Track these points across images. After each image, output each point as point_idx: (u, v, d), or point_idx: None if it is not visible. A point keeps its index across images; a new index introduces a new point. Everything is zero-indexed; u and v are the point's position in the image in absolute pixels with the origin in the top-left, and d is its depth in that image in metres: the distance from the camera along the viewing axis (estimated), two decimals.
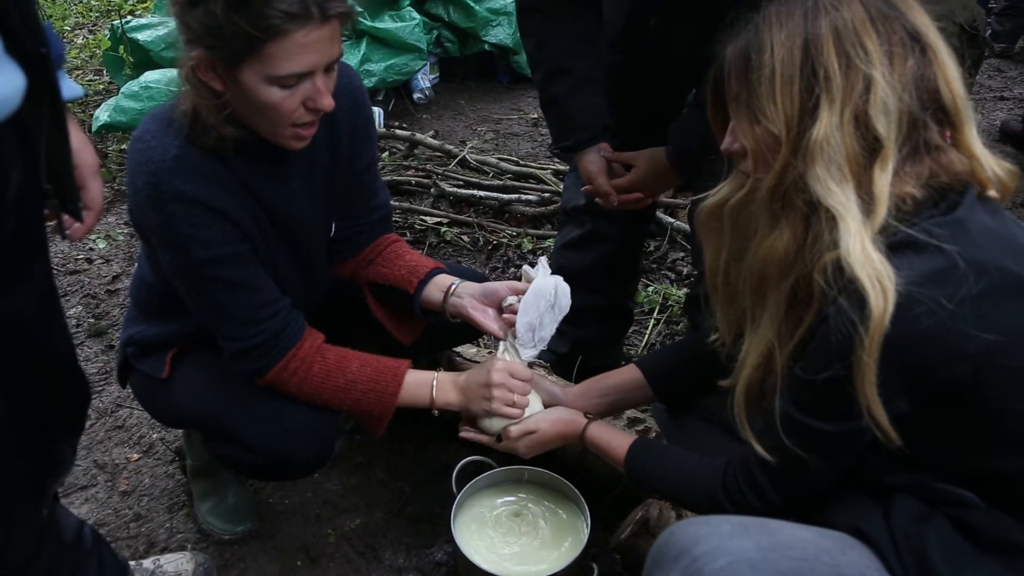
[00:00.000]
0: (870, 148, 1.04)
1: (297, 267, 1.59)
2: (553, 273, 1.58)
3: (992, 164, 1.08)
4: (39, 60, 1.00)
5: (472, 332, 1.85)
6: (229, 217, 1.38)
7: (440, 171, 3.50)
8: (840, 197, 1.02)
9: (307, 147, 1.45)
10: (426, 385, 1.55)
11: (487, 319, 1.59)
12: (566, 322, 2.24)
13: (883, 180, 1.02)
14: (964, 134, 1.08)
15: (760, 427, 1.16)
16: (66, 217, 1.19)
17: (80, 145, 1.27)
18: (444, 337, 1.83)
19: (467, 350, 2.14)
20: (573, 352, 2.22)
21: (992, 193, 1.09)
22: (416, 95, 4.43)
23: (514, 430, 1.56)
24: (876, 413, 1.00)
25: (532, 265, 1.59)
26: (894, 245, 1.01)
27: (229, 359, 1.49)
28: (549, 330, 1.57)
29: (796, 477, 1.15)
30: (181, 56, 1.29)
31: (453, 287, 1.64)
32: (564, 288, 1.53)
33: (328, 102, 1.32)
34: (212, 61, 1.26)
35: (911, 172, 1.05)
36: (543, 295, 1.52)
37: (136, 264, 1.71)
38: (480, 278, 1.79)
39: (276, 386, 1.50)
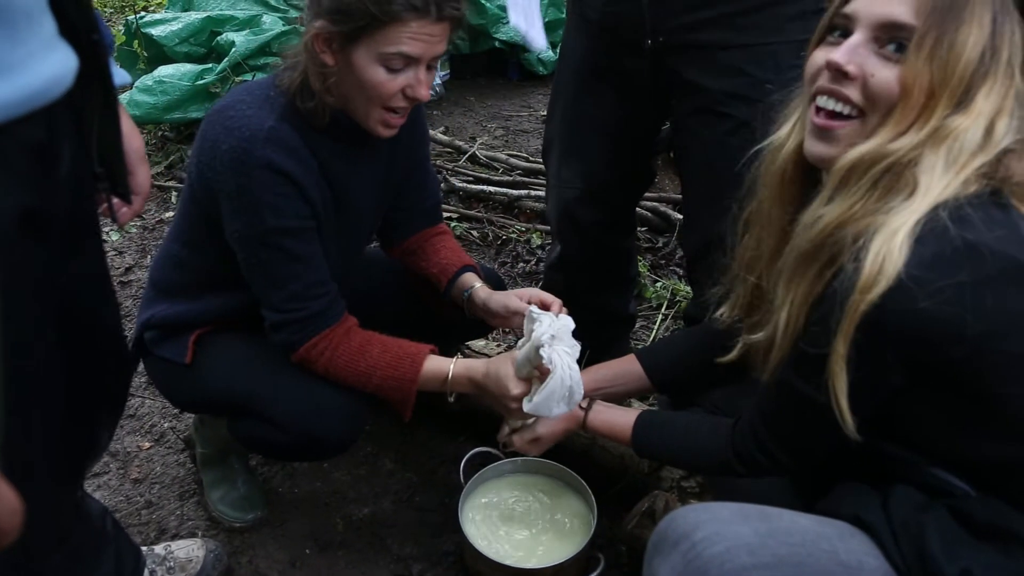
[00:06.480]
0: (981, 146, 1.03)
1: (339, 251, 1.63)
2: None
3: None
4: (90, 45, 1.02)
5: (485, 327, 1.90)
6: (306, 194, 1.46)
7: (450, 167, 3.52)
8: (935, 180, 1.01)
9: (377, 140, 1.53)
10: (442, 376, 1.56)
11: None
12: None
13: (967, 173, 1.02)
14: None
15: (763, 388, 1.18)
16: (116, 200, 1.22)
17: (129, 131, 1.28)
18: (459, 330, 1.89)
19: (475, 343, 2.18)
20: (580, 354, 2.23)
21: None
22: None
23: (517, 439, 1.59)
24: (837, 387, 1.01)
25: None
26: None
27: (268, 329, 1.54)
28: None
29: (800, 434, 1.17)
30: (305, 27, 1.42)
31: (467, 296, 1.75)
32: (576, 373, 1.42)
33: (425, 92, 1.44)
34: (331, 36, 1.37)
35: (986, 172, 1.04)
36: (561, 385, 1.42)
37: (162, 243, 1.72)
38: (497, 281, 1.88)
39: (306, 363, 1.54)
